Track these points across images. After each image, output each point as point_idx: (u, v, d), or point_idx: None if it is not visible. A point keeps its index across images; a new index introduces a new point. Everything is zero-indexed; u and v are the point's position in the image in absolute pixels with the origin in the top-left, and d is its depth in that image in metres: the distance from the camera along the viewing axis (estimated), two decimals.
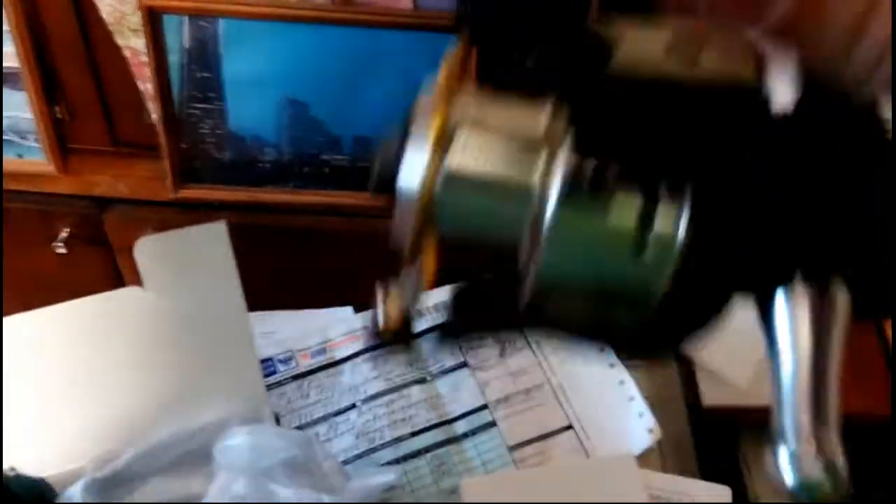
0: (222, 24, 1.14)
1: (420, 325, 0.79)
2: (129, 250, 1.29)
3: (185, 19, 1.13)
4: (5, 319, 0.48)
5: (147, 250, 0.50)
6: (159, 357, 0.53)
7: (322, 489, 0.45)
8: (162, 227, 1.27)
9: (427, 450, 0.72)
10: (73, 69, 1.20)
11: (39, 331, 0.50)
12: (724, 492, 0.58)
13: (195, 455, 0.50)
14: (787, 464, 0.31)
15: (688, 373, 0.84)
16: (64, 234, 1.30)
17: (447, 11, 1.12)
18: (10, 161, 1.26)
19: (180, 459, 0.51)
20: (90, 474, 0.50)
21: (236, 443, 0.47)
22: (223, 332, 0.53)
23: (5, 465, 0.49)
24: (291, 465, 0.45)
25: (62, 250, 1.30)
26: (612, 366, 0.77)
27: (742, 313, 0.95)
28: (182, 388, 0.54)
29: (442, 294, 0.79)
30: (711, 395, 0.84)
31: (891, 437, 0.83)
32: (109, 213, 1.30)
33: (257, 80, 1.20)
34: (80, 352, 0.51)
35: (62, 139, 1.27)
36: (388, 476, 0.51)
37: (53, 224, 1.30)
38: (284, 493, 0.44)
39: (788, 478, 0.30)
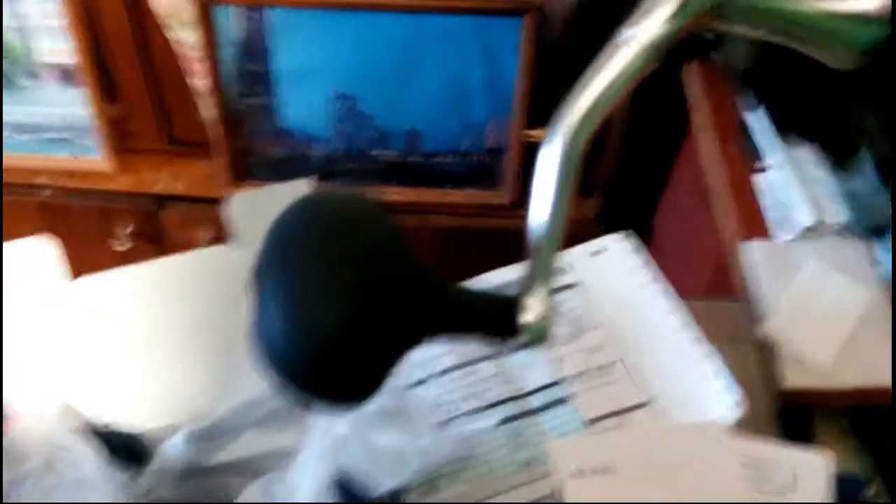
0: (271, 14, 1.14)
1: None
2: (186, 247, 1.31)
3: (234, 10, 1.13)
4: (93, 277, 0.48)
5: (236, 206, 0.50)
6: (244, 315, 0.52)
7: (418, 437, 0.44)
8: (218, 224, 1.28)
9: (502, 422, 0.70)
10: (127, 66, 1.21)
11: (127, 288, 0.50)
12: (821, 461, 0.56)
13: (284, 411, 0.50)
14: None
15: (769, 352, 0.82)
16: (123, 231, 1.31)
17: None
18: (67, 159, 1.28)
19: (271, 415, 0.51)
20: (189, 427, 0.50)
21: None
22: None
23: (104, 421, 0.49)
24: (385, 414, 0.45)
25: (121, 247, 1.31)
26: (692, 344, 0.75)
27: (824, 291, 0.92)
28: None
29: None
30: (792, 377, 0.82)
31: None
32: (167, 210, 1.31)
33: (306, 73, 1.20)
34: (167, 309, 0.51)
35: (118, 138, 1.29)
36: (489, 420, 0.51)
37: (112, 222, 1.31)
38: (384, 437, 0.44)
39: None
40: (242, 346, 0.54)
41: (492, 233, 1.30)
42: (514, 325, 0.37)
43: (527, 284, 0.37)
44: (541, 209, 0.38)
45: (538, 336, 0.37)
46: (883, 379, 0.82)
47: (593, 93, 0.36)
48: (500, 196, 1.30)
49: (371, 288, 0.34)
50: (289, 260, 0.34)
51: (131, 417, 0.51)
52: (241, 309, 0.53)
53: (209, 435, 0.50)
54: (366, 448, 0.45)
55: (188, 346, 0.53)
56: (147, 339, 0.51)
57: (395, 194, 1.30)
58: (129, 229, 1.31)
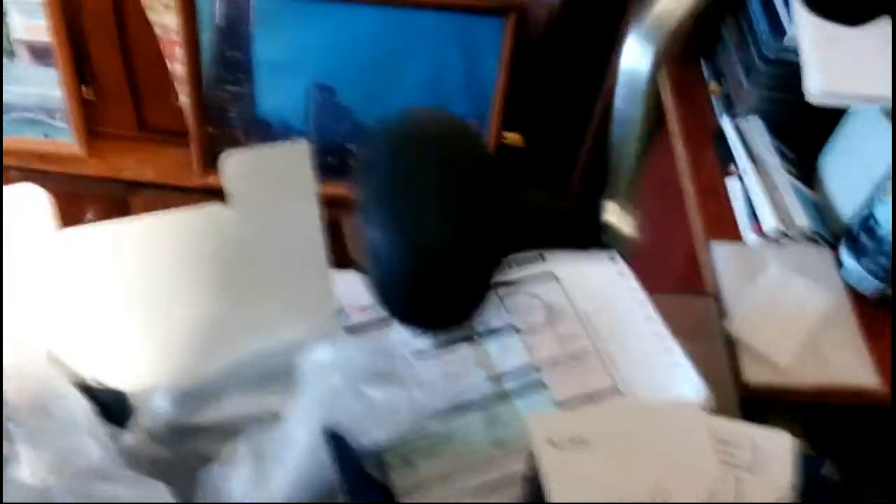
0: (255, 0, 1.14)
1: None
2: None
3: None
4: (83, 229, 0.48)
5: (232, 165, 0.50)
6: (239, 275, 0.52)
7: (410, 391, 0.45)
8: None
9: (477, 403, 0.71)
10: (103, 47, 1.20)
11: (116, 242, 0.50)
12: (786, 439, 0.58)
13: (274, 373, 0.50)
14: None
15: (731, 349, 0.84)
16: (90, 217, 1.29)
17: None
18: (38, 141, 1.26)
19: (260, 377, 0.51)
20: (175, 387, 0.49)
21: (321, 354, 0.47)
22: (300, 252, 0.53)
23: (89, 377, 0.49)
24: (376, 373, 0.45)
25: None
26: (658, 334, 0.77)
27: (787, 293, 0.95)
28: (259, 307, 0.53)
29: None
30: (752, 373, 0.84)
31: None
32: (136, 197, 1.30)
33: (286, 63, 1.20)
34: (160, 267, 0.51)
35: (89, 121, 1.27)
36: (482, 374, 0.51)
37: (80, 207, 1.29)
38: (376, 391, 0.45)
39: None
40: (232, 308, 0.55)
41: None
42: (598, 225, 0.38)
43: (610, 192, 0.38)
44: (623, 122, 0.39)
45: (620, 238, 0.38)
46: (839, 379, 0.85)
47: None
48: None
49: (474, 207, 0.34)
50: (395, 184, 0.34)
51: (115, 374, 0.51)
52: (232, 270, 0.53)
53: (195, 395, 0.50)
54: (359, 400, 0.45)
55: (177, 304, 0.52)
56: (135, 296, 0.51)
57: None
58: (97, 215, 1.30)
